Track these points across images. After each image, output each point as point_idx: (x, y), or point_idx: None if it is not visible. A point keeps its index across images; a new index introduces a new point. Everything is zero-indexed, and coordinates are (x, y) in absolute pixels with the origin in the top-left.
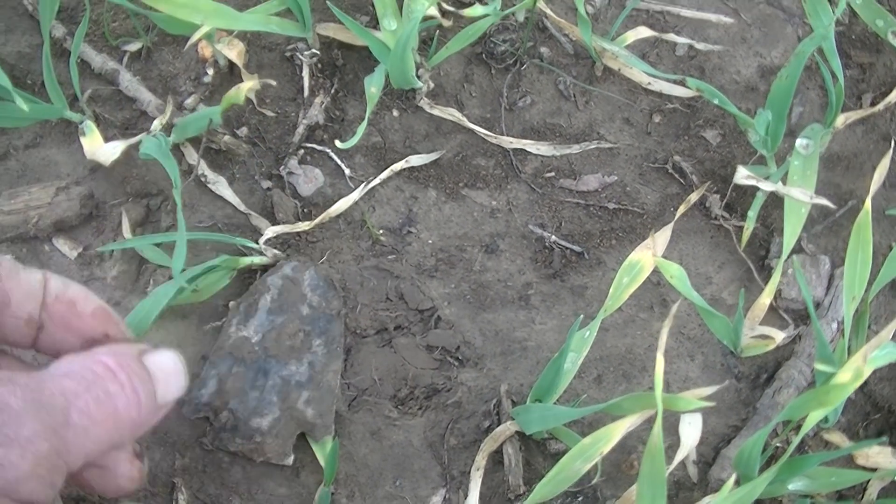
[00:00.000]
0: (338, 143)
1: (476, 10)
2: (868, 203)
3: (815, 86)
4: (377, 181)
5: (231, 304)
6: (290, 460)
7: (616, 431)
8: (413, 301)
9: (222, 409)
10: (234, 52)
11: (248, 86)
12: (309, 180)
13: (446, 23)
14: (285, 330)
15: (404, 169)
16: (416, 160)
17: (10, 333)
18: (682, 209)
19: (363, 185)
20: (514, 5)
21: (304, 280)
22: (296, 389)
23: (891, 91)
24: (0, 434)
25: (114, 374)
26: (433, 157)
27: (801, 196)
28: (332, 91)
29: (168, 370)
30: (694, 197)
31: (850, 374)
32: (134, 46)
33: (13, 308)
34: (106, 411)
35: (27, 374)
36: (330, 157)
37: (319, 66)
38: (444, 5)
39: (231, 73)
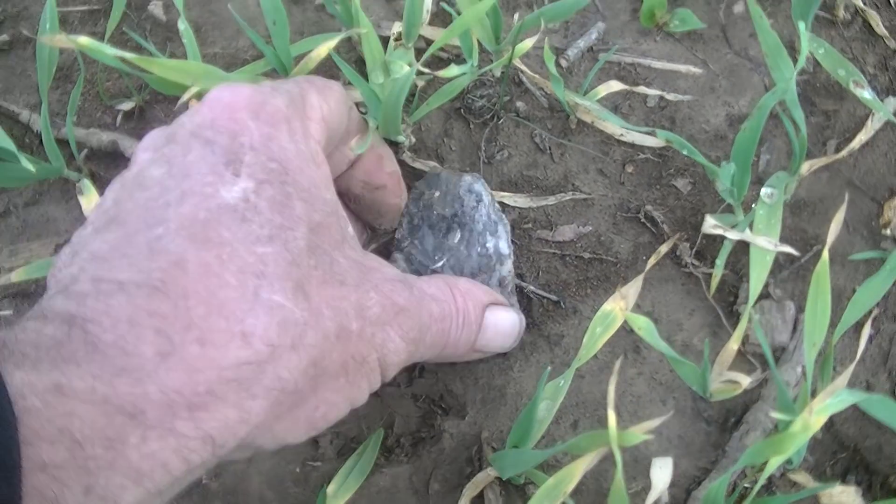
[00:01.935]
0: None
1: (451, 70)
2: (825, 254)
3: (781, 133)
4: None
5: None
6: None
7: (577, 470)
8: None
9: None
10: None
11: None
12: None
13: (421, 83)
14: None
15: None
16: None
17: (333, 165)
18: (652, 260)
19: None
20: (491, 61)
21: None
22: None
23: (854, 137)
24: (400, 327)
25: (458, 315)
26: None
27: (766, 244)
28: None
29: (501, 330)
30: (664, 248)
31: (800, 425)
32: (127, 105)
33: (349, 143)
34: (441, 342)
35: (413, 281)
36: None
37: None
38: (420, 67)
39: None
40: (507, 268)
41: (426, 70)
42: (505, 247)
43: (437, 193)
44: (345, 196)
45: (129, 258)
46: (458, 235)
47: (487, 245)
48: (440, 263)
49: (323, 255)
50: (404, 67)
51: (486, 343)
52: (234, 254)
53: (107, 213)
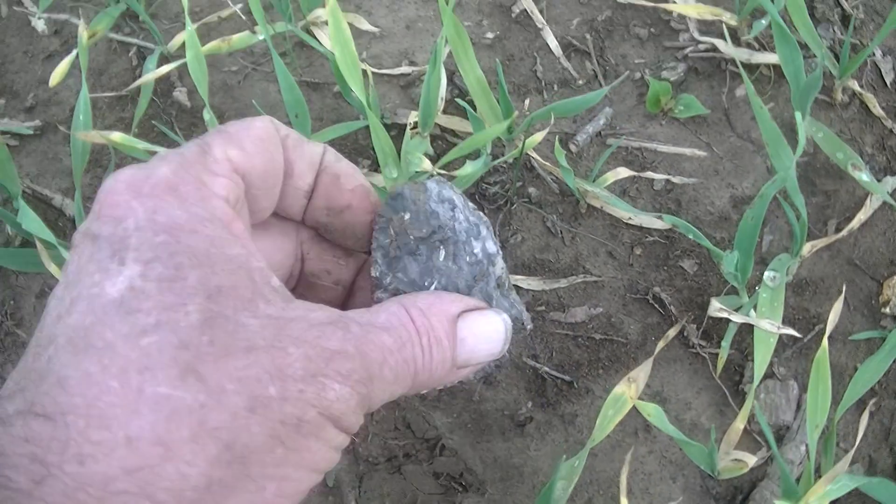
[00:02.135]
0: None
1: (466, 169)
2: (825, 341)
3: (783, 212)
4: None
5: None
6: None
7: None
8: (419, 430)
9: None
10: None
11: None
12: None
13: (437, 175)
14: None
15: None
16: None
17: (289, 205)
18: (661, 344)
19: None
20: (503, 146)
21: None
22: None
23: (854, 217)
24: (339, 373)
25: (419, 337)
26: None
27: (769, 327)
28: None
29: (483, 337)
30: (672, 332)
31: None
32: None
33: (295, 178)
34: (408, 373)
35: (354, 319)
36: None
37: None
38: (438, 171)
39: None
40: (500, 266)
41: (443, 172)
42: (492, 245)
43: (406, 216)
44: (318, 229)
45: (23, 390)
46: (443, 252)
47: (475, 252)
48: (431, 288)
49: (224, 324)
50: (423, 162)
51: (469, 356)
52: (115, 354)
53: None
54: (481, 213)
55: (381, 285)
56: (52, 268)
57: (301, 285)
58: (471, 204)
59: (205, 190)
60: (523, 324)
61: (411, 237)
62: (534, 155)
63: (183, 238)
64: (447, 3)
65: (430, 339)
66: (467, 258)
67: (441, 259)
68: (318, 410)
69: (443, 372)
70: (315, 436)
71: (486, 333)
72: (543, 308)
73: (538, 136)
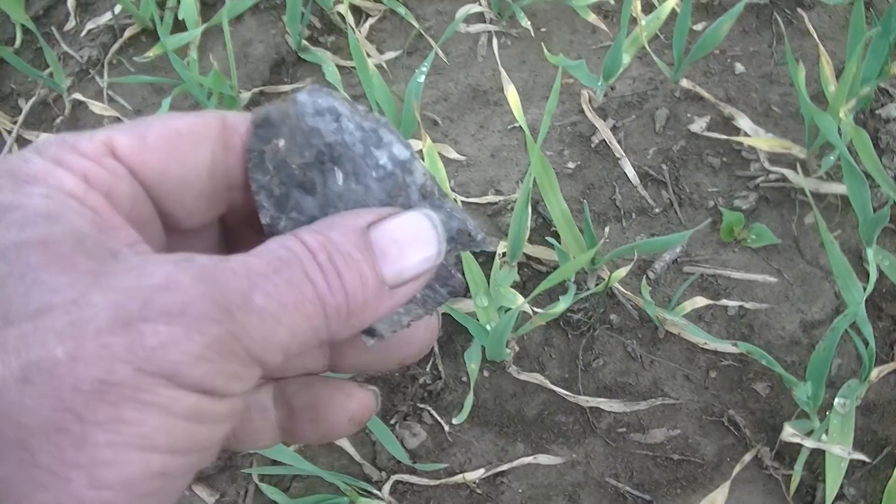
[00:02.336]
0: (454, 420)
1: (558, 306)
2: None
3: (851, 338)
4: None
5: None
6: None
7: None
8: None
9: None
10: None
11: None
12: (413, 434)
13: (530, 311)
14: None
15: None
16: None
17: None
18: (737, 469)
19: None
20: (586, 273)
21: None
22: None
23: None
24: (164, 312)
25: (313, 255)
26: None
27: (840, 452)
28: (431, 356)
29: (407, 241)
30: (748, 457)
31: None
32: None
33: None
34: (302, 296)
35: (213, 256)
36: (430, 414)
37: None
38: (528, 309)
39: None
40: (420, 171)
41: (537, 310)
42: (402, 150)
43: (281, 143)
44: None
45: None
46: (340, 175)
47: (381, 163)
48: None
49: (13, 285)
50: (517, 299)
51: (400, 267)
52: None
53: None
54: (377, 116)
55: (277, 231)
56: None
57: None
58: (360, 107)
59: (56, 171)
60: (470, 234)
61: (294, 167)
62: (615, 284)
63: None
64: (535, 141)
65: (332, 253)
66: (373, 173)
67: (340, 183)
68: (134, 366)
69: (369, 294)
70: (134, 401)
71: (410, 236)
72: (624, 429)
73: (622, 272)
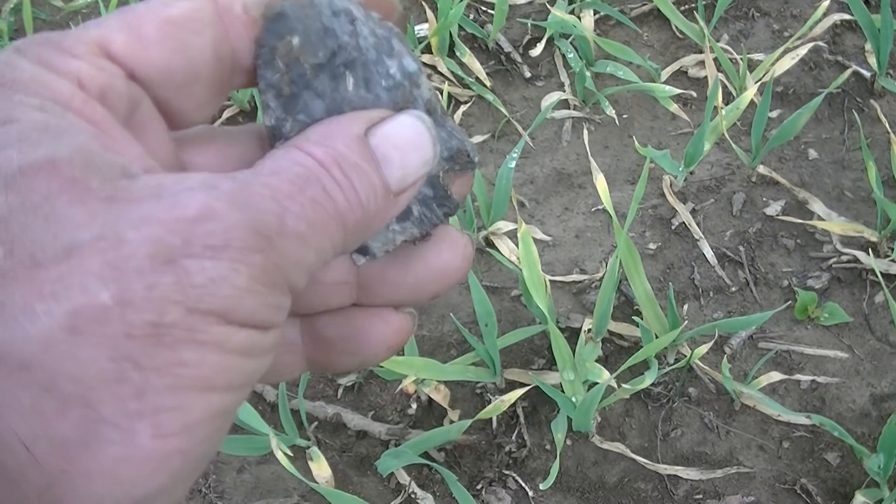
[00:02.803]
0: (540, 486)
1: (643, 381)
2: None
3: None
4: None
5: None
6: None
7: None
8: None
9: None
10: (439, 395)
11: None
12: (499, 500)
13: (615, 385)
14: None
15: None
16: None
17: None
18: None
19: None
20: (665, 350)
21: None
22: None
23: None
24: (208, 246)
25: (327, 170)
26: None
27: None
28: (517, 425)
29: (403, 143)
30: None
31: None
32: (348, 381)
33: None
34: (328, 216)
35: (229, 176)
36: (515, 480)
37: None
38: (614, 383)
39: (430, 406)
40: (426, 87)
41: (624, 385)
42: (411, 62)
43: (295, 40)
44: None
45: None
46: (351, 79)
47: (391, 73)
48: None
49: (28, 221)
50: (602, 373)
51: (403, 172)
52: None
53: None
54: (390, 24)
55: (281, 134)
56: None
57: None
58: (374, 13)
59: (46, 76)
60: (468, 155)
61: (306, 66)
62: (696, 360)
63: None
64: (621, 225)
65: (344, 167)
66: (383, 82)
67: (351, 88)
68: (186, 306)
69: (379, 204)
70: (191, 342)
71: (407, 139)
72: (701, 497)
73: (703, 349)
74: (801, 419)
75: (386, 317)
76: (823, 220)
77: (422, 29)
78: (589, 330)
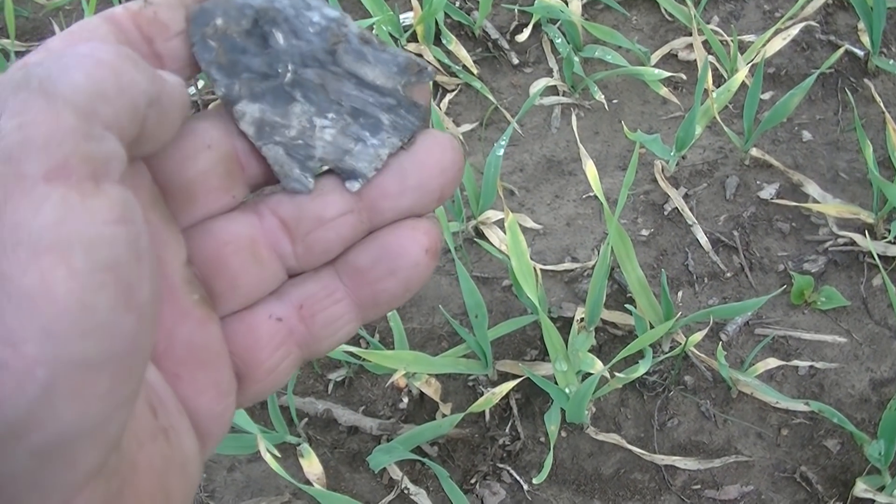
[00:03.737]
0: (534, 479)
1: (637, 371)
2: None
3: None
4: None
5: None
6: None
7: None
8: None
9: None
10: (431, 389)
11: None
12: (493, 493)
13: (608, 375)
14: None
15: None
16: None
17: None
18: None
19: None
20: (660, 338)
21: None
22: None
23: None
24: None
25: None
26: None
27: None
28: (510, 417)
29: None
30: None
31: None
32: (338, 375)
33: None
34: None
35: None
36: (510, 473)
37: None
38: (607, 373)
39: (422, 400)
40: (354, 25)
41: (618, 375)
42: (331, 11)
43: (219, 21)
44: None
45: None
46: (280, 34)
47: (314, 20)
48: (287, 75)
49: None
50: (595, 364)
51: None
52: None
53: None
54: None
55: (233, 97)
56: None
57: None
58: None
59: None
60: (419, 65)
61: (235, 36)
62: (691, 349)
63: None
64: (612, 212)
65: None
66: (310, 28)
67: (282, 41)
68: None
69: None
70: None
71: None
72: (699, 486)
73: (698, 336)
74: (799, 406)
75: (409, 223)
76: (818, 202)
77: (407, 17)
78: (581, 319)
